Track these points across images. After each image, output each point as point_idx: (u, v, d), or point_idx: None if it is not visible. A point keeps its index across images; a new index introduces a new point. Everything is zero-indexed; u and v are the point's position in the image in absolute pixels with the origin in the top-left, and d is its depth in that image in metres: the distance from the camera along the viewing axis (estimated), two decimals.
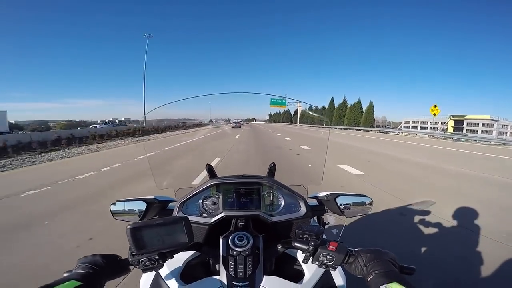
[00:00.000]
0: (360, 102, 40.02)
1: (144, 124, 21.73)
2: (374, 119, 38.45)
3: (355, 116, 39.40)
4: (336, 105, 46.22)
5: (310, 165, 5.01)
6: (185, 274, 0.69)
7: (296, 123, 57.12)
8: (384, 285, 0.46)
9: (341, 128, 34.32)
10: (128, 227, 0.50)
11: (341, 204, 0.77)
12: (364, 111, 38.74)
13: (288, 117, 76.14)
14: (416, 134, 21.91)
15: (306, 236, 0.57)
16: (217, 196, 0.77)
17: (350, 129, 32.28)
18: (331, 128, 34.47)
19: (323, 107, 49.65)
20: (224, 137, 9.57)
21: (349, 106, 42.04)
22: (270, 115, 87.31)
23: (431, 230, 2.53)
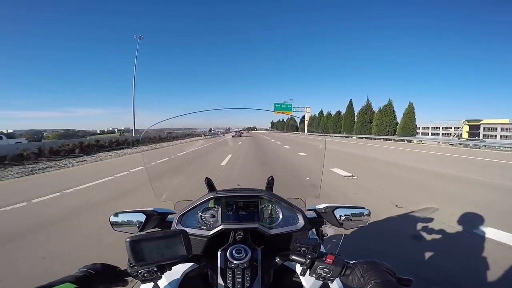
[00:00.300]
0: (392, 105, 31.05)
1: (133, 134, 21.35)
2: (415, 126, 29.63)
3: (388, 122, 30.42)
4: (356, 110, 37.41)
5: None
6: (183, 286, 0.69)
7: (304, 131, 55.15)
8: None
9: (370, 138, 27.66)
10: (128, 239, 0.52)
11: (339, 216, 0.77)
12: (402, 115, 30.05)
13: (293, 125, 71.09)
14: (439, 142, 20.02)
15: (303, 249, 0.57)
16: (216, 209, 0.78)
17: (385, 139, 25.57)
18: (362, 138, 28.19)
19: (338, 112, 43.36)
20: (203, 166, 5.83)
21: (374, 110, 33.70)
22: (272, 123, 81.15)
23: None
